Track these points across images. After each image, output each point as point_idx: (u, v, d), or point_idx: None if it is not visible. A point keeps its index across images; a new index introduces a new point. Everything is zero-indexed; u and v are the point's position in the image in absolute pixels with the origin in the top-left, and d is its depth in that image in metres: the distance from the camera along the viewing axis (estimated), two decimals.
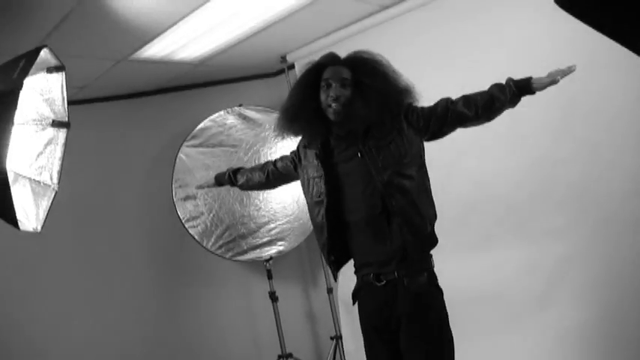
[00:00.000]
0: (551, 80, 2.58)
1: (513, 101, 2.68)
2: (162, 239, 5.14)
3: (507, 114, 2.76)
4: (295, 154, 3.07)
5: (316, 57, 4.36)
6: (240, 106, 5.06)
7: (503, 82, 2.70)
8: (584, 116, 3.55)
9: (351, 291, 2.89)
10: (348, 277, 4.51)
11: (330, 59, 2.82)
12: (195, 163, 4.83)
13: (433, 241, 2.77)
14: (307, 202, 2.93)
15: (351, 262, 2.89)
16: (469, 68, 3.86)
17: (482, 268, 3.91)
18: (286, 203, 5.04)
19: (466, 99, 2.72)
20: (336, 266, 2.89)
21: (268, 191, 4.84)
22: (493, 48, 3.85)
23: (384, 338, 2.72)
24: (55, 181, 3.11)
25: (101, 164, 5.03)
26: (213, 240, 4.79)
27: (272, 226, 5.00)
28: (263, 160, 4.86)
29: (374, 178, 2.64)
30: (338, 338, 5.01)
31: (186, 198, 4.78)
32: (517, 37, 3.75)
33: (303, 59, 4.84)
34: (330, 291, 5.13)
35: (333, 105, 2.68)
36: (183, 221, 4.72)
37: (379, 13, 4.35)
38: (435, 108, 2.75)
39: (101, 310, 4.88)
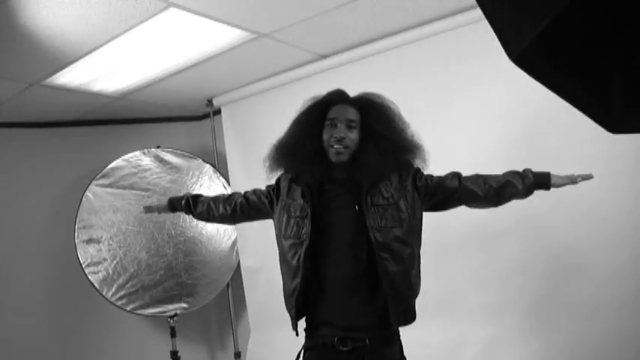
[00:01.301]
0: (571, 181, 2.67)
1: (528, 192, 2.69)
2: (60, 283, 4.86)
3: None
4: (273, 189, 2.88)
5: (246, 104, 4.63)
6: (157, 147, 4.88)
7: (520, 170, 2.72)
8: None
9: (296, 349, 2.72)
10: (259, 341, 4.60)
11: (338, 96, 2.71)
12: (103, 204, 4.59)
13: (413, 315, 2.65)
14: (280, 244, 2.74)
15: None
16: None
17: (407, 344, 3.74)
18: (199, 255, 4.84)
19: (479, 177, 2.69)
20: (298, 317, 2.68)
21: (182, 240, 4.73)
22: (432, 101, 3.86)
23: None
24: None
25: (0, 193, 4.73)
26: (114, 289, 4.49)
27: (181, 279, 4.77)
28: None
29: (369, 235, 2.51)
30: None
31: (89, 241, 4.50)
32: (456, 91, 3.79)
33: (231, 105, 4.86)
34: (237, 355, 4.93)
35: (336, 146, 2.57)
36: (83, 266, 4.43)
37: (316, 62, 4.30)
38: (444, 180, 2.70)
39: None
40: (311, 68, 4.33)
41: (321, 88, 3.91)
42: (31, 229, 4.83)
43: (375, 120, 2.63)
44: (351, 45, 4.11)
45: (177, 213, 3.38)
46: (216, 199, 3.16)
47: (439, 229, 3.59)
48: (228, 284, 4.97)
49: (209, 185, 4.94)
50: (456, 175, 2.70)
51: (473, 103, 3.72)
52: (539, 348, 3.47)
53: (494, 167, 2.85)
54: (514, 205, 3.23)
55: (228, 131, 4.91)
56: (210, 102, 4.95)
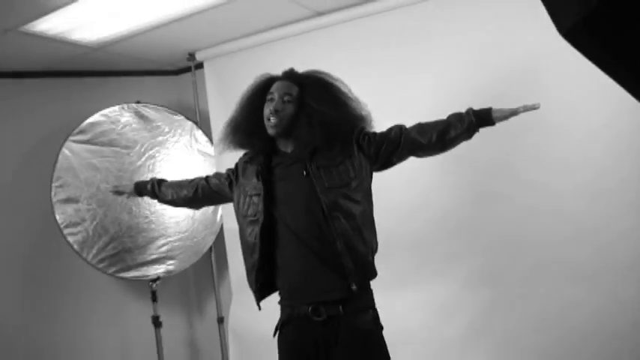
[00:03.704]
0: (513, 111, 2.60)
1: (470, 131, 2.68)
2: (34, 246, 4.54)
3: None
4: (232, 171, 3.01)
5: (231, 59, 4.61)
6: (137, 102, 4.64)
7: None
8: (527, 156, 3.54)
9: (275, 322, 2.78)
10: (242, 305, 4.50)
11: (282, 74, 2.86)
12: (81, 161, 4.32)
13: (373, 271, 2.73)
14: (238, 222, 2.86)
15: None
16: (400, 84, 3.87)
17: (402, 309, 3.74)
18: (180, 218, 4.66)
19: (420, 126, 2.74)
20: (261, 293, 2.78)
21: (165, 205, 4.42)
22: (424, 65, 3.83)
23: None
24: None
25: None
26: (94, 251, 4.29)
27: (162, 242, 4.59)
28: (158, 167, 4.59)
29: (319, 198, 2.60)
30: None
31: (67, 200, 4.24)
32: (452, 53, 3.76)
33: (215, 60, 4.72)
34: (220, 320, 4.86)
35: (271, 118, 2.69)
36: (61, 227, 4.19)
37: (311, 19, 4.14)
38: (388, 134, 2.78)
39: None
40: (305, 25, 4.19)
41: (314, 47, 4.10)
42: (2, 187, 4.50)
43: (312, 95, 2.73)
44: (349, 3, 3.97)
45: (144, 197, 3.46)
46: (180, 184, 3.28)
47: (437, 194, 3.77)
48: (210, 248, 4.86)
49: (191, 144, 4.80)
50: (398, 128, 2.77)
51: (471, 70, 3.69)
52: (536, 312, 3.54)
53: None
54: (512, 169, 3.55)
55: (211, 88, 4.74)
56: (192, 56, 4.75)
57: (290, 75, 2.83)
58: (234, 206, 2.91)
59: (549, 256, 3.48)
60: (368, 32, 3.96)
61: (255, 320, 4.11)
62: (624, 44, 0.96)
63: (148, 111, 4.67)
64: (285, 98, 2.70)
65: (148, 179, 3.38)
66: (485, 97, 3.08)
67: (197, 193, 3.14)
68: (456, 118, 2.68)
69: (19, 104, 4.60)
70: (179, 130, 4.77)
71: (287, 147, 2.78)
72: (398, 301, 3.71)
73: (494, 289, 3.64)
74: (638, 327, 3.24)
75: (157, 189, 3.29)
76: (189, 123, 4.81)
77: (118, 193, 3.49)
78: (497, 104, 2.66)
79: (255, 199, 2.73)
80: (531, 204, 3.51)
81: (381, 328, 2.68)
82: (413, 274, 3.83)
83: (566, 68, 3.26)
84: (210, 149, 4.76)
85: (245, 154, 2.94)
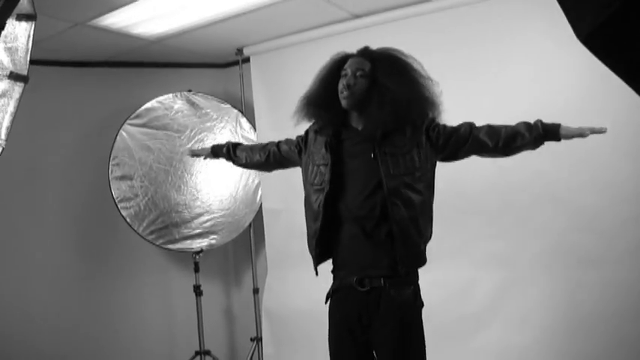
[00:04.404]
0: (580, 132, 2.58)
1: (537, 143, 2.69)
2: (90, 218, 4.99)
3: None
4: (302, 139, 3.04)
5: (275, 55, 4.71)
6: (189, 91, 4.99)
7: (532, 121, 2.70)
8: (541, 154, 3.60)
9: (325, 290, 2.86)
10: (276, 278, 4.72)
11: (357, 51, 2.85)
12: (136, 142, 4.72)
13: (423, 259, 2.76)
14: (305, 189, 2.90)
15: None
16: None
17: (423, 286, 3.85)
18: (223, 197, 5.00)
19: (490, 128, 2.74)
20: (319, 259, 2.83)
21: (210, 182, 4.86)
22: (457, 70, 3.95)
23: (357, 342, 2.71)
24: (4, 137, 2.90)
25: (32, 130, 4.72)
26: (145, 224, 4.69)
27: (206, 218, 4.94)
28: None
29: (382, 181, 2.63)
30: (258, 340, 5.00)
31: (123, 177, 4.66)
32: (485, 59, 3.92)
33: (260, 55, 4.96)
34: (256, 291, 5.13)
35: (345, 92, 2.70)
36: (116, 201, 4.60)
37: (350, 20, 4.38)
38: (458, 130, 2.77)
39: (16, 284, 4.67)
40: (343, 26, 4.40)
41: (352, 46, 4.08)
42: (64, 164, 4.94)
43: (384, 71, 2.72)
44: (384, 7, 4.22)
45: (220, 159, 3.51)
46: (253, 148, 3.35)
47: (458, 182, 3.84)
48: (250, 224, 5.15)
49: (236, 130, 5.09)
50: (468, 126, 2.76)
51: (498, 78, 3.87)
52: (546, 292, 3.74)
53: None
54: (528, 163, 3.50)
55: (256, 80, 5.00)
56: (240, 51, 5.04)
57: (363, 52, 2.82)
58: (302, 173, 2.96)
59: (558, 241, 3.68)
60: (401, 34, 3.96)
61: (288, 294, 4.52)
62: (636, 53, 0.96)
63: (198, 99, 4.98)
64: (358, 73, 2.70)
65: (224, 143, 3.48)
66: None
67: (269, 158, 3.23)
68: (524, 128, 2.67)
69: (82, 90, 5.01)
70: (225, 117, 5.04)
71: (358, 124, 2.77)
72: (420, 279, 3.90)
73: (508, 271, 3.84)
74: (638, 307, 3.43)
75: (232, 152, 3.38)
76: (235, 111, 5.09)
77: (197, 155, 3.67)
78: (516, 111, 2.75)
79: (322, 168, 2.77)
80: (543, 195, 3.72)
81: (421, 304, 2.73)
82: (434, 255, 3.87)
83: (577, 76, 3.49)
84: (253, 135, 5.01)
85: (314, 123, 2.94)
